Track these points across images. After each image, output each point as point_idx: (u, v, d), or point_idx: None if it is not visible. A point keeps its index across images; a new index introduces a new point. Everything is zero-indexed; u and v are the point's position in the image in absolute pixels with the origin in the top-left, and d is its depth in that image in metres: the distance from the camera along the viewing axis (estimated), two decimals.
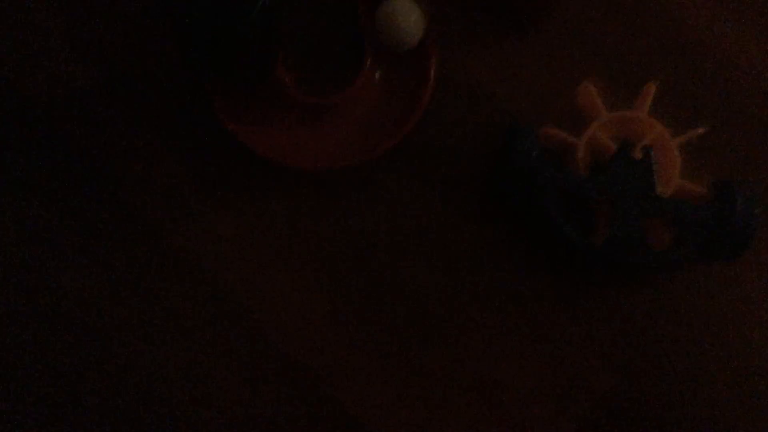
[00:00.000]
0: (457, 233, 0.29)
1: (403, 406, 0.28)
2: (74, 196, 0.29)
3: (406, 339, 0.29)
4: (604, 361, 0.28)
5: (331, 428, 0.28)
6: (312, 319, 0.28)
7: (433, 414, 0.28)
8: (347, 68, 0.29)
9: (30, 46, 0.29)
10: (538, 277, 0.29)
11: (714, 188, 0.29)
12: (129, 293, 0.28)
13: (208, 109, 0.27)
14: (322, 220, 0.29)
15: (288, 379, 0.28)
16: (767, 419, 0.28)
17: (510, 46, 0.31)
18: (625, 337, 0.29)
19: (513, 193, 0.29)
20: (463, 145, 0.30)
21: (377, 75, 0.28)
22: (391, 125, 0.28)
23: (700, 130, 0.29)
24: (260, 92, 0.27)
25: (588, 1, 0.31)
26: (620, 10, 0.31)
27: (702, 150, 0.30)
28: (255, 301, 0.28)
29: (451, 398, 0.28)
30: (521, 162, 0.28)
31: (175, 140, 0.29)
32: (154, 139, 0.29)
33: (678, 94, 0.30)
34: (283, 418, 0.28)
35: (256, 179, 0.29)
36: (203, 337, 0.28)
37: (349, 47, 0.29)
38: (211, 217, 0.28)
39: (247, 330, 0.28)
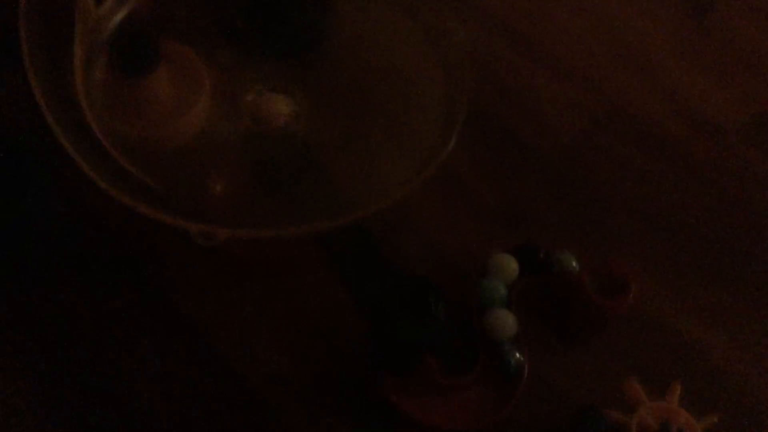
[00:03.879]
0: None
1: None
2: None
3: None
4: None
5: None
6: None
7: None
8: (469, 358, 0.41)
9: (244, 340, 0.42)
10: None
11: None
12: None
13: (375, 386, 0.39)
14: None
15: None
16: None
17: (574, 353, 0.44)
18: None
19: None
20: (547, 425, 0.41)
21: (488, 365, 0.41)
22: (498, 402, 0.40)
23: (715, 419, 0.41)
24: (415, 375, 0.40)
25: (626, 323, 0.45)
26: (646, 332, 0.45)
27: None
28: None
29: None
30: None
31: (349, 412, 0.40)
32: (331, 410, 0.40)
33: (694, 393, 0.42)
34: None
35: None
36: None
37: (467, 344, 0.42)
38: None
39: None
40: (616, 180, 0.50)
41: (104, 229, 0.44)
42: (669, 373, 0.43)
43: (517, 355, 0.41)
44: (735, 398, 0.43)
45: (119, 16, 0.40)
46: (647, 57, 0.56)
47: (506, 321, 0.42)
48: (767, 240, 0.49)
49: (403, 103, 0.41)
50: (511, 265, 0.43)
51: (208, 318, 0.42)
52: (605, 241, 0.48)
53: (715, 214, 0.49)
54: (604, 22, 0.57)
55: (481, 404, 0.40)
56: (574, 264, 0.44)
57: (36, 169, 0.44)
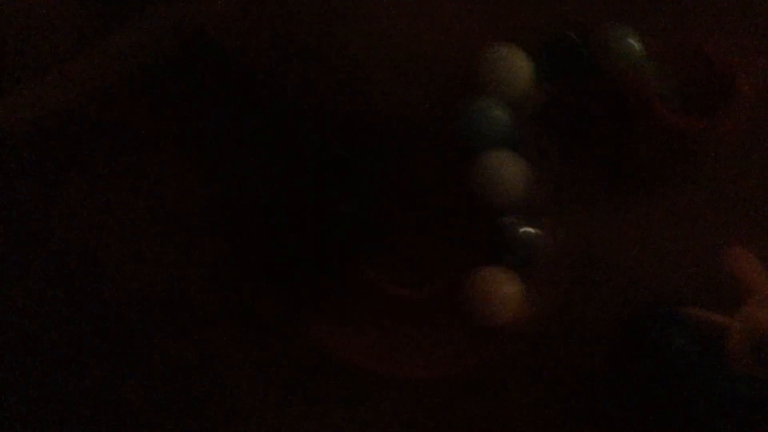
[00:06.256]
0: None
1: None
2: None
3: None
4: None
5: None
6: None
7: None
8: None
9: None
10: None
11: None
12: None
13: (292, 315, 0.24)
14: None
15: None
16: None
17: (631, 214, 0.26)
18: None
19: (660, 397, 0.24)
20: (588, 331, 0.25)
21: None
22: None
23: None
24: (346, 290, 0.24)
25: (724, 156, 0.26)
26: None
27: None
28: None
29: None
30: (672, 358, 0.23)
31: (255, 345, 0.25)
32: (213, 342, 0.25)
33: None
34: None
35: (348, 390, 0.24)
36: None
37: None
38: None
39: None
40: None
41: None
42: None
43: (529, 229, 0.24)
44: None
45: None
46: None
47: (509, 169, 0.24)
48: None
49: None
50: (518, 65, 0.25)
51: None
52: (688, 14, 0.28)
53: None
54: None
55: (458, 336, 0.23)
56: (636, 48, 0.26)
57: None
